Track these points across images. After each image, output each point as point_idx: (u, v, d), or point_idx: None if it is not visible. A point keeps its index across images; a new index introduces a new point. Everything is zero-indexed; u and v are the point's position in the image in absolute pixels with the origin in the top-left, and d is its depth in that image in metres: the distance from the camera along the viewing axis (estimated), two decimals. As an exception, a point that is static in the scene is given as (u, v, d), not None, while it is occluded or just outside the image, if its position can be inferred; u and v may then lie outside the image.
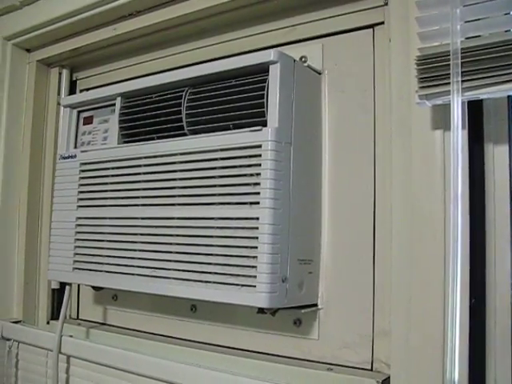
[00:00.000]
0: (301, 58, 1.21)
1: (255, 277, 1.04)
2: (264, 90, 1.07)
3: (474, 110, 1.04)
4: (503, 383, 1.01)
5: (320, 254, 1.17)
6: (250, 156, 1.07)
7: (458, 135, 0.93)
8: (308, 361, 1.17)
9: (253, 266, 1.04)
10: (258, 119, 1.08)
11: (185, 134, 1.18)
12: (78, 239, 1.34)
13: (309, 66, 1.19)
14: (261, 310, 1.14)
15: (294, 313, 1.18)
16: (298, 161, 1.10)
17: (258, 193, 1.04)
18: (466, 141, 0.99)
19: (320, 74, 1.20)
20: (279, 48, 1.22)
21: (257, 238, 1.04)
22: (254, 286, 1.04)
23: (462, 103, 0.96)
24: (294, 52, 1.20)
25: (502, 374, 1.01)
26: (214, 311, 1.31)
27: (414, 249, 1.02)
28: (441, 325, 0.96)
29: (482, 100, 1.04)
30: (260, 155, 1.05)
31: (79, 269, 1.33)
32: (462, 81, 0.91)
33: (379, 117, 1.13)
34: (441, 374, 0.94)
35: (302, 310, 1.12)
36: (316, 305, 1.16)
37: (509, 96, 1.04)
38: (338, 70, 1.19)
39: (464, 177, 0.98)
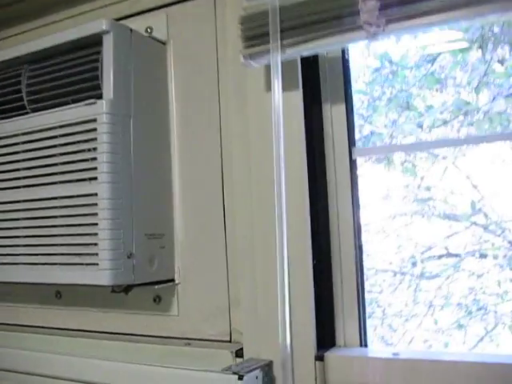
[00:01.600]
0: (146, 29, 1.18)
1: (97, 254, 1.00)
2: (98, 61, 1.03)
3: (312, 69, 1.04)
4: (352, 341, 1.02)
5: (173, 227, 1.14)
6: (87, 131, 1.03)
7: (279, 94, 0.92)
8: (169, 338, 1.15)
9: (94, 244, 1.01)
10: (95, 92, 1.04)
11: (27, 113, 1.13)
12: None
13: (152, 37, 1.16)
14: (114, 289, 1.11)
15: (153, 290, 1.15)
16: (140, 133, 1.07)
17: (96, 168, 1.01)
18: (300, 100, 0.99)
19: (165, 43, 1.17)
20: (126, 20, 1.20)
21: (97, 214, 1.01)
22: (97, 264, 1.00)
23: (294, 61, 0.96)
24: (140, 23, 1.17)
25: (350, 333, 1.02)
26: (77, 296, 1.27)
27: (256, 216, 1.01)
28: (281, 290, 0.95)
29: (317, 59, 1.04)
30: (96, 129, 1.01)
31: None
32: (282, 38, 0.90)
33: (222, 81, 1.11)
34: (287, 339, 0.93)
35: (156, 286, 1.10)
36: (173, 280, 1.14)
37: (344, 55, 1.04)
38: (182, 38, 1.16)
39: (300, 136, 0.98)
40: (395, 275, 2.02)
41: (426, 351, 1.14)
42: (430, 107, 1.48)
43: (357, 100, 1.73)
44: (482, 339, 1.71)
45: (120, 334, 1.20)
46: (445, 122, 1.46)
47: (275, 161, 0.92)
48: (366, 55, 1.74)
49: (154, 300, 1.17)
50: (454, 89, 1.49)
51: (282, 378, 0.93)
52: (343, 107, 1.02)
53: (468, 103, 1.41)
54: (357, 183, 1.03)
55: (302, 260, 0.97)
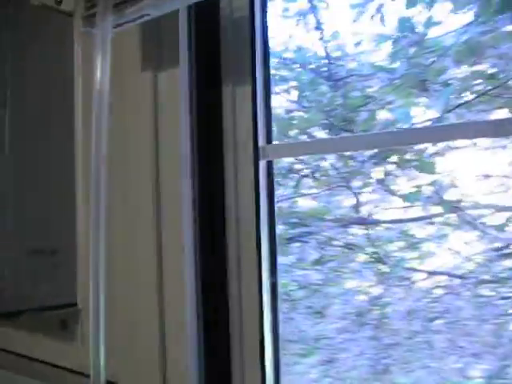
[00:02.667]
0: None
1: (-47, 276, 0.83)
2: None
3: (211, 38, 0.77)
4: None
5: (75, 242, 0.93)
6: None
7: (102, 72, 0.67)
8: (68, 370, 0.95)
9: (-48, 263, 0.84)
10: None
11: None
12: None
13: (57, 8, 0.95)
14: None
15: (58, 314, 0.96)
16: (22, 126, 0.88)
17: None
18: (182, 82, 0.74)
19: (71, 15, 0.95)
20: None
21: (-45, 226, 0.84)
22: (-47, 288, 0.84)
23: (174, 29, 0.71)
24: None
25: None
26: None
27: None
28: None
29: (219, 33, 0.77)
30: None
31: None
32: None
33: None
34: None
35: (45, 312, 0.91)
36: (75, 304, 0.94)
37: (253, 19, 0.77)
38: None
39: (178, 132, 0.73)
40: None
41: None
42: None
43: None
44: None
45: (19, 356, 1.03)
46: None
47: (92, 170, 0.66)
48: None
49: (61, 326, 0.98)
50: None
51: None
52: (249, 90, 0.74)
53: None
54: (272, 194, 0.75)
55: (176, 284, 0.73)
